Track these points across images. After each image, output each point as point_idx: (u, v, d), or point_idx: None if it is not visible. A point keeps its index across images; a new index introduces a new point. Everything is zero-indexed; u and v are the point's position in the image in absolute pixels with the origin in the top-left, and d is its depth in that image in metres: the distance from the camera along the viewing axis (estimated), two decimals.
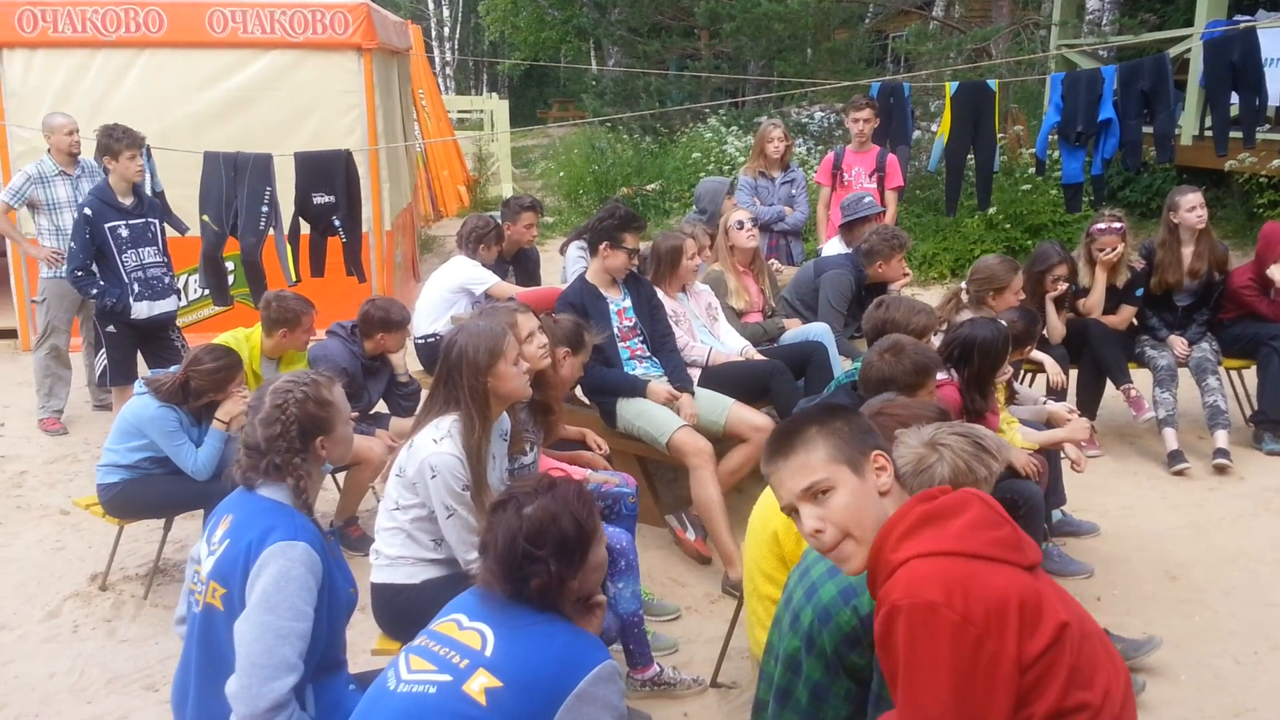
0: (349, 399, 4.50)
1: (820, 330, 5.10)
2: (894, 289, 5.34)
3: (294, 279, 6.39)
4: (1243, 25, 8.13)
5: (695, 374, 4.72)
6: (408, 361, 5.03)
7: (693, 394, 4.49)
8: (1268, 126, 8.66)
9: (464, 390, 3.02)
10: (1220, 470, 5.33)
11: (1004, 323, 4.12)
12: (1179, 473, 5.31)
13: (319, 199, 6.39)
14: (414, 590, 3.03)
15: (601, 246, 4.52)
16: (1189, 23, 10.71)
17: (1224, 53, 7.33)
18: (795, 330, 5.26)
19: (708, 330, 5.00)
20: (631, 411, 4.46)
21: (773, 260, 6.12)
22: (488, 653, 2.01)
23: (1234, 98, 7.47)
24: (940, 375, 3.69)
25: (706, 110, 14.98)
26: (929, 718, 1.72)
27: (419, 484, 2.98)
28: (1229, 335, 5.71)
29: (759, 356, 4.92)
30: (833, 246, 5.99)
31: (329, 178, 6.39)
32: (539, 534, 2.08)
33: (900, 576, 1.79)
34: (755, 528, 2.90)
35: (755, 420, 4.45)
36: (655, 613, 4.02)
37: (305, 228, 6.47)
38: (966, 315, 4.51)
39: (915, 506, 1.88)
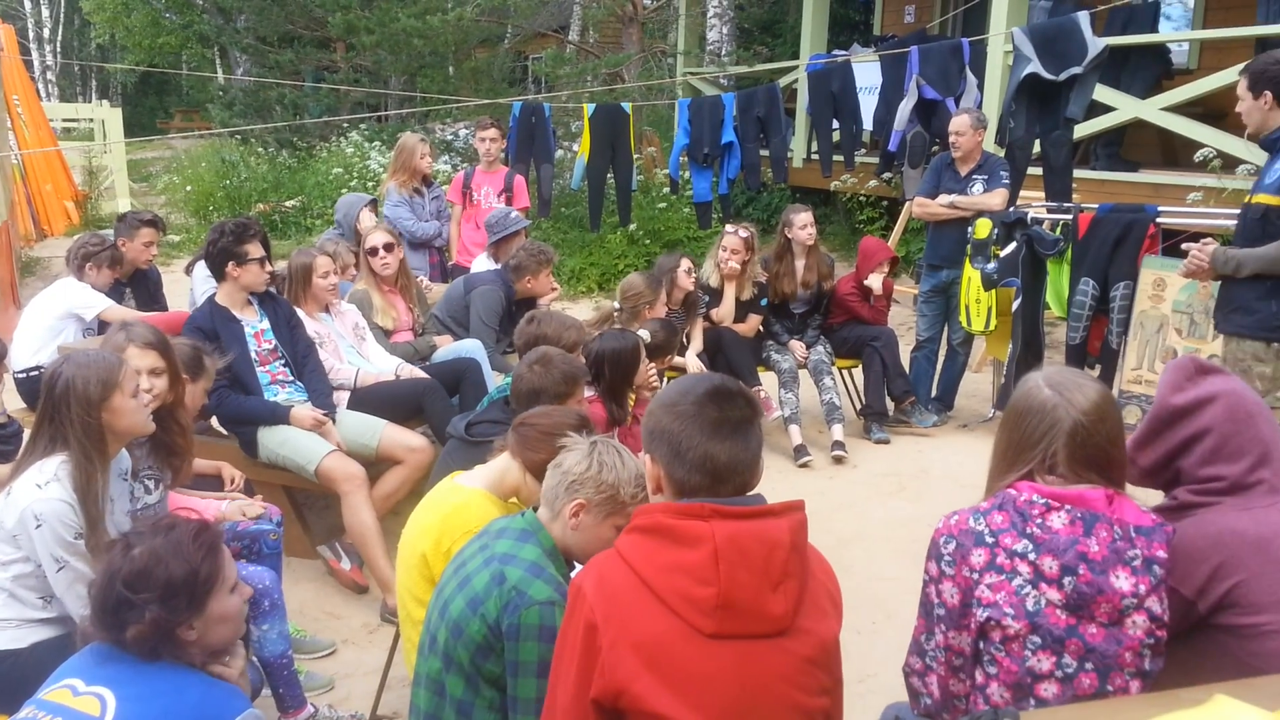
0: None
1: (473, 346, 5.08)
2: (543, 303, 5.43)
3: None
4: (840, 59, 9.08)
5: (344, 396, 4.53)
6: (5, 400, 4.43)
7: (335, 419, 4.32)
8: (864, 150, 9.69)
9: (74, 427, 2.68)
10: (838, 460, 5.86)
11: (642, 333, 4.32)
12: (804, 465, 5.79)
13: None
14: (21, 656, 2.66)
15: (229, 268, 4.21)
16: (796, 55, 11.81)
17: (825, 83, 8.15)
18: (448, 347, 5.21)
19: (356, 350, 4.83)
20: (275, 440, 4.20)
21: (421, 278, 6.02)
22: (108, 719, 1.79)
23: (835, 124, 8.33)
24: (589, 392, 3.79)
25: (347, 124, 14.54)
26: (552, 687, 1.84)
27: (21, 536, 2.63)
28: (838, 338, 6.33)
29: (416, 374, 4.82)
30: (481, 263, 6.00)
31: None
32: (140, 578, 1.90)
33: (599, 557, 1.85)
34: (405, 551, 2.82)
35: (409, 441, 4.35)
36: (308, 650, 3.81)
37: None
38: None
39: (657, 514, 1.80)
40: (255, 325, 4.31)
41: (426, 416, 4.61)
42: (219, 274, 4.26)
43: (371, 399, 4.54)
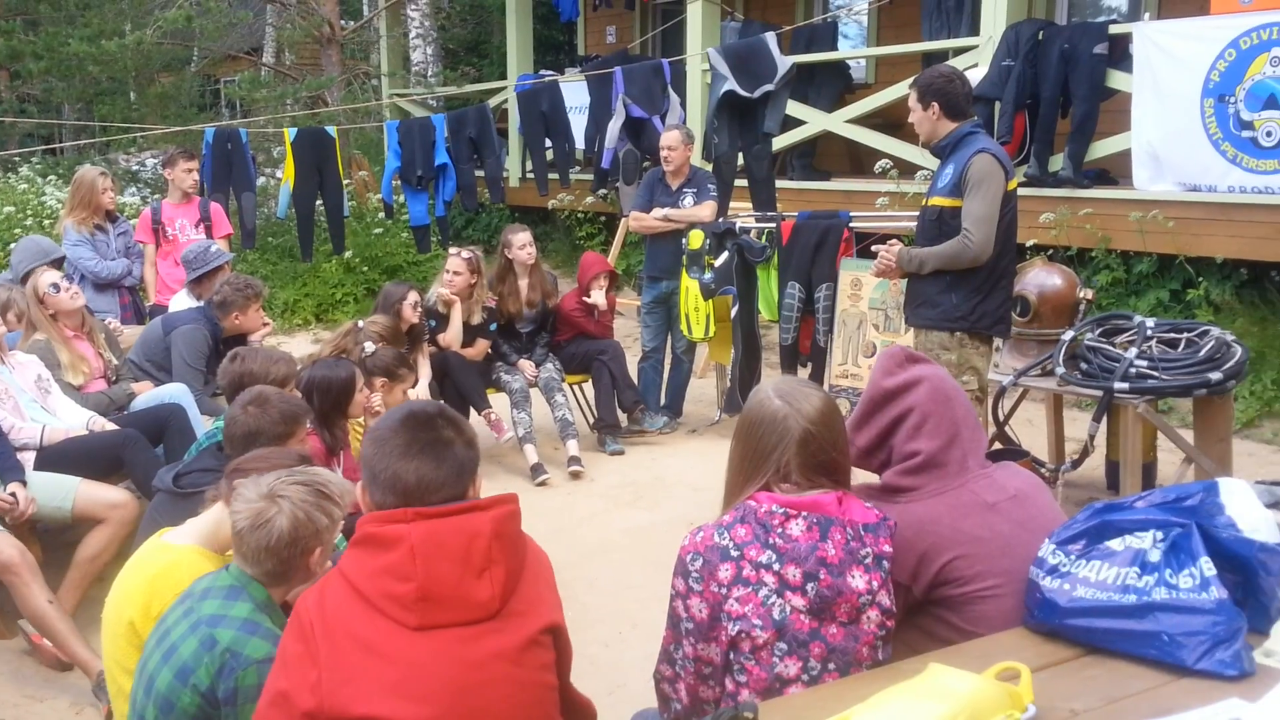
0: None
1: (177, 391, 4.73)
2: (255, 339, 5.13)
3: None
4: (547, 79, 9.19)
5: (29, 457, 4.08)
6: None
7: (24, 482, 3.87)
8: (578, 168, 9.85)
9: None
10: (575, 476, 5.89)
11: (360, 362, 4.21)
12: (542, 484, 5.78)
13: None
14: None
15: None
16: (504, 76, 11.86)
17: (535, 103, 8.24)
18: (148, 394, 4.82)
19: (39, 405, 4.36)
20: None
21: (112, 320, 5.53)
22: None
23: (548, 143, 8.41)
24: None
25: (17, 159, 13.18)
26: None
27: None
28: (567, 354, 6.39)
29: (110, 426, 4.41)
30: (181, 300, 5.58)
31: None
32: None
33: (322, 579, 1.93)
34: (110, 619, 2.56)
35: (109, 497, 3.99)
36: None
37: None
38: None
39: (366, 524, 1.86)
40: None
41: (128, 470, 4.23)
42: None
43: (63, 457, 4.11)
